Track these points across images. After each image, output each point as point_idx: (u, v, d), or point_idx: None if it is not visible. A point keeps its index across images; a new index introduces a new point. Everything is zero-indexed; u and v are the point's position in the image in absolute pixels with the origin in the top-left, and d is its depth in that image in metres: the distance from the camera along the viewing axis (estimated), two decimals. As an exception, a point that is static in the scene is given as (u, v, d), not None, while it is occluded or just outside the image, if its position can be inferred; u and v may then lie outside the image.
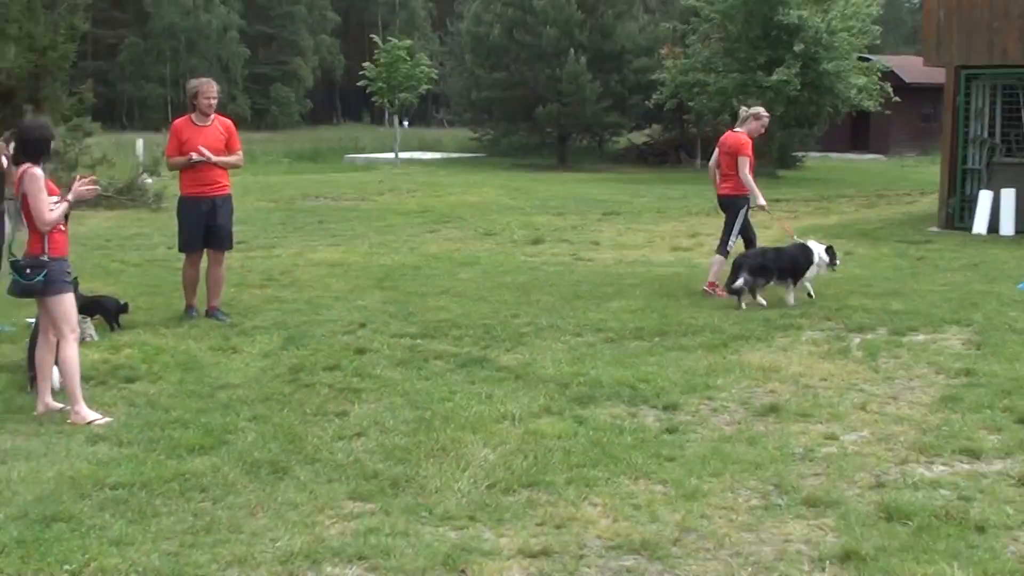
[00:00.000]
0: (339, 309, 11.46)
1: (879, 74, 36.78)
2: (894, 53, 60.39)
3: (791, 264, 11.76)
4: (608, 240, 18.23)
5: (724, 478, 6.23)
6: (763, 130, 12.89)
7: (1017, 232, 18.88)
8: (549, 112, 42.28)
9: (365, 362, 9.04)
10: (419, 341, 9.85)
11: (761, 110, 12.99)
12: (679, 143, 45.86)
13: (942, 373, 8.67)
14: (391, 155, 42.66)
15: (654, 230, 19.78)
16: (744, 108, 13.32)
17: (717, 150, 12.92)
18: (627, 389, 8.10)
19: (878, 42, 39.38)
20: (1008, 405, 7.62)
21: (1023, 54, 19.26)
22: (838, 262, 12.32)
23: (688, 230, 19.59)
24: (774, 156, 37.09)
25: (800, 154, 42.86)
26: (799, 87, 33.69)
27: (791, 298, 11.70)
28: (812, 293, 11.95)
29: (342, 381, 8.42)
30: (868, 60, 37.54)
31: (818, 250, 11.92)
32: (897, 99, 37.31)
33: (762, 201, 12.53)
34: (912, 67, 37.93)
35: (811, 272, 11.86)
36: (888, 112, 38.88)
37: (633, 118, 45.89)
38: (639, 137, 49.05)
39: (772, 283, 11.73)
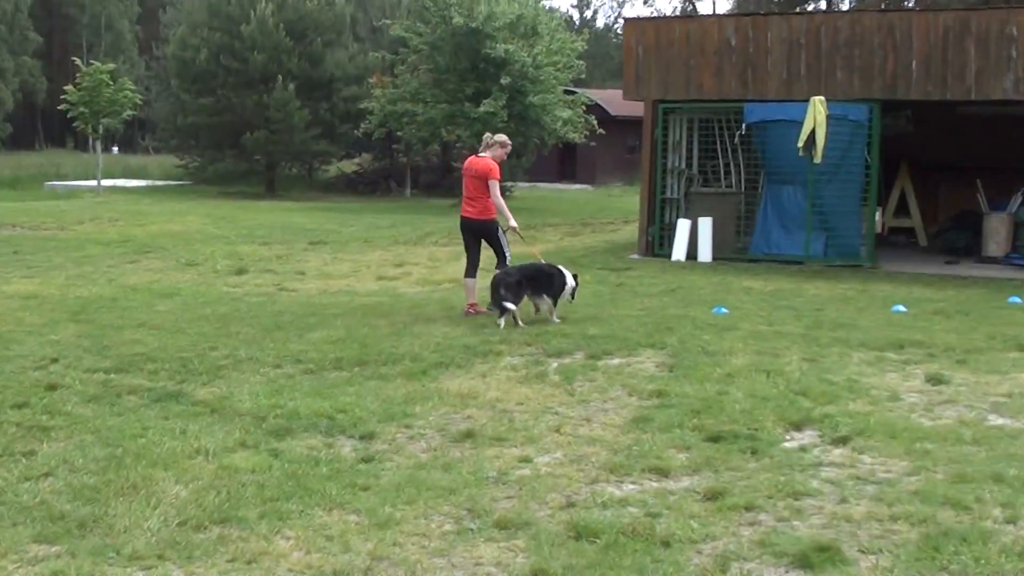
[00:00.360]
0: (31, 344, 10.98)
1: (584, 107, 38.09)
2: (600, 87, 62.57)
3: (548, 282, 12.53)
4: (314, 270, 18.13)
5: (418, 505, 6.27)
6: (505, 156, 13.47)
7: (714, 259, 19.83)
8: (257, 139, 41.75)
9: (56, 399, 8.67)
10: (113, 376, 9.53)
11: (504, 137, 13.52)
12: (389, 172, 46.17)
13: (635, 395, 8.99)
14: (94, 183, 41.15)
15: (360, 259, 19.80)
16: (488, 135, 13.80)
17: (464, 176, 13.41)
18: (325, 420, 8.04)
19: (583, 76, 40.74)
20: (697, 424, 7.96)
21: (718, 89, 20.37)
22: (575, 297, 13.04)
23: (395, 259, 19.71)
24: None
25: (509, 184, 43.80)
26: (506, 119, 34.43)
27: (553, 315, 12.52)
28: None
29: (31, 419, 8.05)
30: (574, 93, 38.74)
31: (568, 275, 12.72)
32: (602, 131, 38.73)
33: (513, 223, 13.23)
34: (618, 100, 39.33)
35: (564, 294, 12.68)
36: (593, 144, 40.29)
37: (343, 147, 45.92)
38: (349, 166, 49.08)
39: (528, 299, 12.50)
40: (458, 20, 34.27)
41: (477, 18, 34.41)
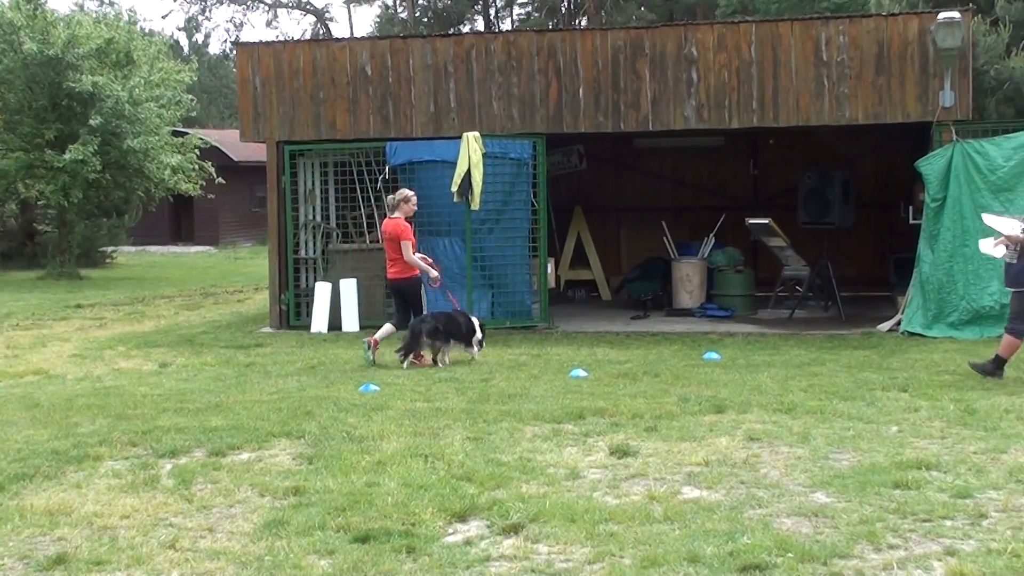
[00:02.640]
0: None
1: (198, 151, 37.69)
2: (220, 127, 62.39)
3: (459, 329, 16.20)
4: None
5: (-6, 651, 6.05)
6: (412, 211, 16.75)
7: (362, 327, 19.98)
8: None
9: None
10: None
11: (407, 192, 16.70)
12: (-47, 241, 44.41)
13: (268, 495, 8.97)
14: None
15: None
16: (391, 195, 16.84)
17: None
18: None
19: (195, 114, 40.48)
20: (342, 523, 8.02)
21: (354, 127, 20.60)
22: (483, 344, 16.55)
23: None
24: (75, 253, 36.89)
25: (110, 249, 43.04)
26: (100, 168, 33.70)
27: (474, 352, 16.34)
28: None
29: None
30: (184, 135, 38.37)
31: (477, 323, 16.42)
32: (222, 181, 38.54)
33: (435, 274, 16.81)
34: (242, 143, 39.58)
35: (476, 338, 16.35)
36: (212, 196, 40.07)
37: None
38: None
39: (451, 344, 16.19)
40: (31, 47, 33.28)
41: (55, 44, 33.59)
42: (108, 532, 8.11)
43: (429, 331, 15.84)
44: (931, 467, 9.41)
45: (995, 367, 13.87)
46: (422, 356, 16.13)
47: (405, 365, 15.79)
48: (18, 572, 7.37)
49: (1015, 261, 13.73)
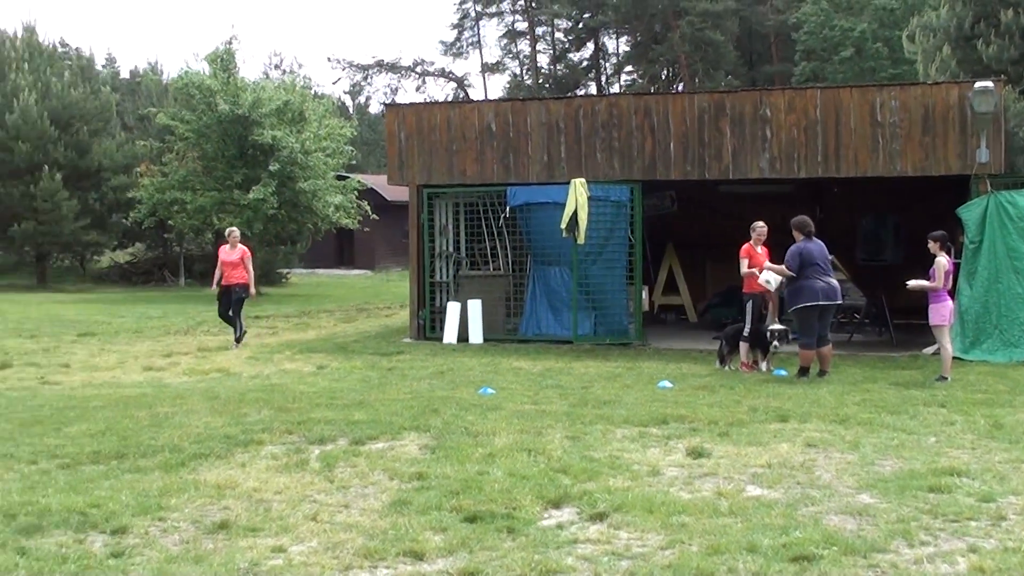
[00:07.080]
0: None
1: (356, 192, 38.06)
2: (376, 172, 62.81)
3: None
4: (79, 362, 17.52)
5: (161, 603, 6.02)
6: (758, 239, 16.35)
7: (485, 340, 19.97)
8: (25, 230, 40.25)
9: None
10: None
11: (756, 223, 16.56)
12: (163, 262, 45.21)
13: (396, 478, 8.88)
14: None
15: (128, 350, 19.24)
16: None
17: None
18: (77, 516, 7.67)
19: (355, 162, 40.79)
20: (456, 505, 7.91)
21: (480, 174, 20.62)
22: (776, 344, 15.87)
23: (163, 350, 19.21)
24: (256, 274, 37.33)
25: (285, 271, 43.55)
26: (277, 205, 34.22)
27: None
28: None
29: None
30: (345, 178, 38.75)
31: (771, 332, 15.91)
32: (375, 216, 38.83)
33: (765, 276, 15.90)
34: (394, 186, 39.90)
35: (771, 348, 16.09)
36: (367, 229, 40.34)
37: (115, 236, 44.74)
38: (123, 256, 47.91)
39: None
40: (224, 107, 34.00)
41: (243, 105, 34.24)
42: (263, 504, 8.09)
43: (728, 337, 16.41)
44: (961, 474, 9.07)
45: (800, 374, 15.13)
46: (748, 363, 16.17)
47: (730, 368, 16.18)
48: (189, 533, 7.36)
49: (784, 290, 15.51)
